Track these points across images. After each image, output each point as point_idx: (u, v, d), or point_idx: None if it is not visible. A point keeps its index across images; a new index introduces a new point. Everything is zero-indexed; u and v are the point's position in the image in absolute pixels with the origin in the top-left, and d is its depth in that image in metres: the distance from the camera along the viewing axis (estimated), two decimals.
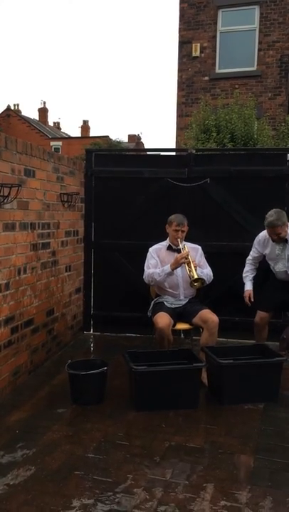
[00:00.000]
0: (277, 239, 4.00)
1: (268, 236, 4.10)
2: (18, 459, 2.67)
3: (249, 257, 4.38)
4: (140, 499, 2.33)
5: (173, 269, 3.92)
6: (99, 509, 2.24)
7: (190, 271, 3.83)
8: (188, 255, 3.87)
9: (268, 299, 4.22)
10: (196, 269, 3.84)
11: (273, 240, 4.06)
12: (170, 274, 3.95)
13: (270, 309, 4.24)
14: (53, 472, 2.54)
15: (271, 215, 3.93)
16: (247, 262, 4.39)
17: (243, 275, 4.37)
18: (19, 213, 3.63)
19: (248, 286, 4.30)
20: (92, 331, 5.35)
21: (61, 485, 2.43)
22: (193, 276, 3.79)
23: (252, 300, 4.24)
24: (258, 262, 4.34)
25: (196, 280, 3.79)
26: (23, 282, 3.75)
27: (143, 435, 2.98)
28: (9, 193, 3.33)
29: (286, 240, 4.01)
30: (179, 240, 4.04)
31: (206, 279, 3.94)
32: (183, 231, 4.06)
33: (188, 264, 3.85)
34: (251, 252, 4.35)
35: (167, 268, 3.93)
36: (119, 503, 2.30)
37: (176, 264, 3.89)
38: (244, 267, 4.42)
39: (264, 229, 4.24)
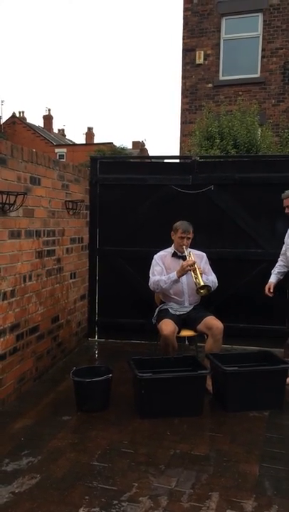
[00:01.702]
0: None
1: None
2: (23, 466, 2.67)
3: (282, 251, 4.26)
4: (145, 508, 2.32)
5: (179, 277, 3.92)
6: None
7: (196, 278, 3.84)
8: (194, 263, 3.88)
9: None
10: (201, 276, 3.84)
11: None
12: (176, 281, 3.96)
13: None
14: (58, 480, 2.54)
15: None
16: (279, 258, 4.29)
17: (272, 270, 4.31)
18: (25, 221, 3.66)
19: (271, 279, 4.24)
20: (96, 338, 5.36)
21: (66, 493, 2.43)
22: (199, 284, 3.79)
23: (271, 291, 4.19)
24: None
25: (203, 287, 3.79)
26: (28, 289, 3.76)
27: (148, 443, 2.98)
28: (15, 201, 3.36)
29: None
30: (184, 247, 4.04)
31: (211, 285, 3.95)
32: (188, 238, 4.07)
33: (194, 271, 3.86)
34: (283, 245, 4.25)
35: (173, 275, 3.94)
36: (124, 511, 2.29)
37: (182, 272, 3.89)
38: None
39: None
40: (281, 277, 4.26)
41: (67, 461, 2.73)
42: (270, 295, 4.21)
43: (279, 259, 4.28)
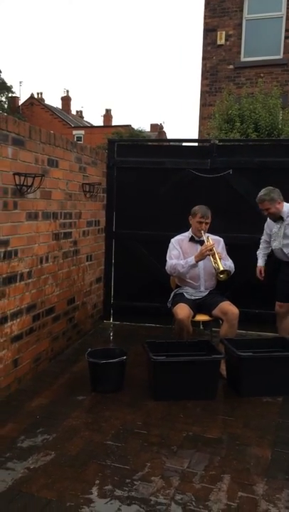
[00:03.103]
0: (268, 214, 4.13)
1: None
2: (39, 443, 2.73)
3: (262, 238, 4.46)
4: (157, 487, 2.36)
5: (197, 261, 3.91)
6: (117, 495, 2.29)
7: (215, 263, 3.83)
8: (213, 247, 3.86)
9: (280, 289, 4.24)
10: (220, 261, 3.83)
11: (267, 216, 4.18)
12: (194, 265, 3.95)
13: (283, 299, 4.22)
14: (72, 458, 2.60)
15: (262, 191, 4.08)
16: (261, 243, 4.49)
17: (257, 253, 4.50)
18: (42, 203, 3.67)
19: (260, 263, 4.45)
20: (111, 320, 5.40)
21: (80, 470, 2.48)
22: (219, 268, 3.78)
23: (263, 275, 4.40)
24: (270, 242, 4.37)
25: (222, 272, 3.78)
26: (44, 271, 3.80)
27: (161, 424, 3.01)
28: (32, 183, 3.37)
29: (282, 218, 4.09)
30: (202, 231, 4.02)
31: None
32: (207, 223, 4.04)
33: (213, 255, 3.84)
34: (264, 232, 4.44)
35: (191, 260, 3.92)
36: (136, 490, 2.34)
37: (201, 256, 3.88)
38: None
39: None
40: (267, 258, 4.46)
41: (81, 440, 2.79)
42: (262, 279, 4.40)
43: (261, 243, 4.46)
